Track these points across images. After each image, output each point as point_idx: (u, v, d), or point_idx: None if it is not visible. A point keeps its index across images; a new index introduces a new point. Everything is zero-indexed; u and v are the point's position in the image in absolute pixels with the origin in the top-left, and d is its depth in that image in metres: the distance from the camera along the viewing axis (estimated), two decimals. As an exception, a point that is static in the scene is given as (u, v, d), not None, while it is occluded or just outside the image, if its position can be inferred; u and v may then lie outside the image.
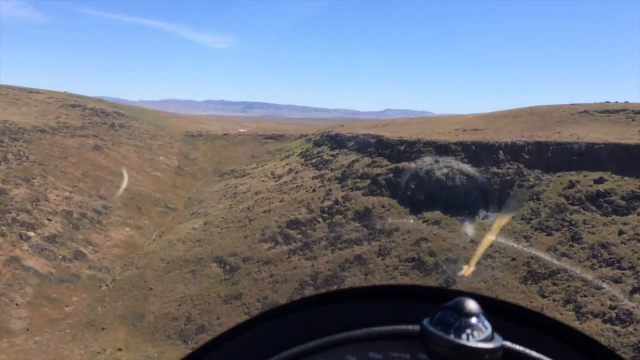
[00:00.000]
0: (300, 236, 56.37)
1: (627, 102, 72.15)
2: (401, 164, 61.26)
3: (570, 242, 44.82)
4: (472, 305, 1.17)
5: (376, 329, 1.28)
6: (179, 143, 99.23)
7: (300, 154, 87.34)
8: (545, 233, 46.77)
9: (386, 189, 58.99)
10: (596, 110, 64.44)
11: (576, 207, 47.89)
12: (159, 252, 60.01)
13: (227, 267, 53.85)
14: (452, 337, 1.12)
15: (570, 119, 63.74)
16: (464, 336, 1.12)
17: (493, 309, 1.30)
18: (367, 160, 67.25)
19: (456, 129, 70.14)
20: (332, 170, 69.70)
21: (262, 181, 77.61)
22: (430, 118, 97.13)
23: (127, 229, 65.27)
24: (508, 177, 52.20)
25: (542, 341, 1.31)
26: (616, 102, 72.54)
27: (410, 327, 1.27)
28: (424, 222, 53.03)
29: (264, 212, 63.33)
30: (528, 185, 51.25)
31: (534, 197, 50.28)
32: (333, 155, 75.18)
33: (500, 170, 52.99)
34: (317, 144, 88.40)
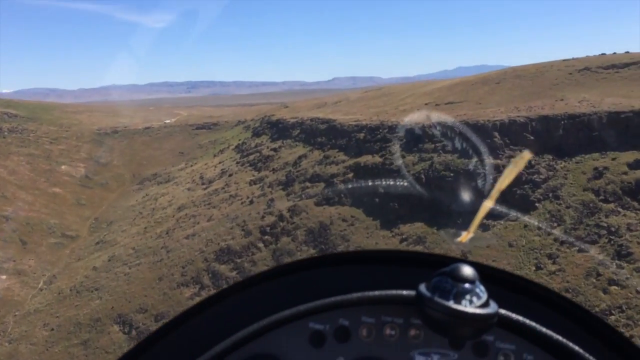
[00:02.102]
0: (233, 273, 40.91)
1: (628, 52, 59.11)
2: (362, 159, 46.17)
3: (617, 259, 31.18)
4: (468, 271, 1.15)
5: (371, 293, 1.27)
6: (88, 145, 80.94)
7: (236, 147, 71.11)
8: (576, 249, 32.92)
9: (346, 195, 43.92)
10: (599, 66, 50.80)
11: (611, 206, 34.19)
12: (44, 311, 43.41)
13: (133, 332, 37.97)
14: (448, 302, 1.10)
15: (570, 79, 49.92)
16: (459, 302, 1.11)
17: (490, 276, 1.29)
18: (317, 154, 51.84)
19: (426, 104, 55.36)
20: (274, 170, 53.98)
21: (189, 189, 61.13)
22: (388, 89, 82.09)
23: (3, 277, 48.12)
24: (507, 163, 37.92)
25: (537, 310, 1.30)
26: (614, 53, 59.40)
27: (405, 292, 1.25)
28: (402, 240, 38.44)
29: (187, 237, 47.30)
30: (540, 179, 37.12)
31: (550, 194, 36.27)
32: (275, 149, 59.34)
33: (499, 162, 38.65)
34: (256, 132, 72.30)
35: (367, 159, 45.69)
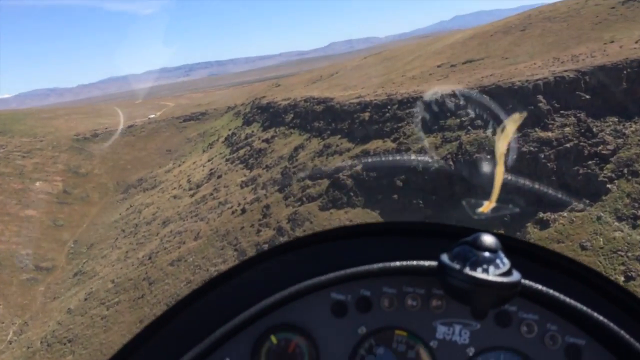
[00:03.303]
0: (229, 310, 32.81)
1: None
2: (371, 145, 37.50)
3: None
4: (490, 240, 1.14)
5: (392, 264, 1.27)
6: (65, 154, 72.80)
7: (226, 139, 62.61)
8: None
9: (357, 193, 35.50)
10: (650, -6, 40.98)
11: None
12: (10, 374, 36.17)
13: (112, 400, 30.31)
14: (469, 271, 1.10)
15: (614, 15, 40.33)
16: (481, 270, 1.10)
17: (511, 247, 1.27)
18: (316, 143, 43.20)
19: (439, 66, 46.12)
20: (267, 168, 45.52)
21: (175, 197, 53.00)
22: (390, 52, 72.35)
23: (-36, 332, 40.96)
24: (568, 144, 29.03)
25: (560, 281, 1.29)
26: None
27: (427, 263, 1.25)
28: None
29: (172, 263, 39.38)
30: (607, 150, 28.22)
31: (624, 170, 27.42)
32: (267, 140, 50.73)
33: (548, 134, 29.77)
34: (246, 120, 63.64)
35: (377, 145, 36.99)
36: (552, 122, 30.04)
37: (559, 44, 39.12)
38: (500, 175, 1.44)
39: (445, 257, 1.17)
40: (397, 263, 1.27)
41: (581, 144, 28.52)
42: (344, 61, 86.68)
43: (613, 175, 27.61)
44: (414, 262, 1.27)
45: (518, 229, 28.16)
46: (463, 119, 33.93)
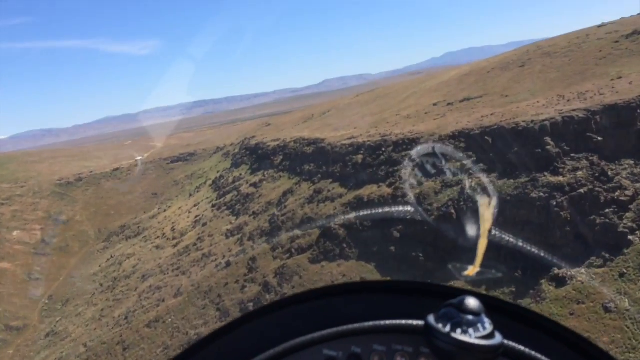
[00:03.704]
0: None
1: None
2: (365, 191, 34.63)
3: None
4: (474, 303, 1.18)
5: (382, 322, 1.32)
6: (46, 200, 69.56)
7: (213, 182, 59.71)
8: None
9: (350, 245, 32.40)
10: (653, 27, 39.08)
11: None
12: None
13: None
14: (454, 333, 1.14)
15: (619, 49, 38.22)
16: (465, 333, 1.14)
17: (495, 308, 1.32)
18: (306, 188, 40.33)
19: (435, 104, 43.77)
20: (254, 215, 42.47)
21: (157, 247, 49.68)
22: (384, 90, 70.45)
23: None
24: (581, 189, 26.18)
25: (541, 341, 1.33)
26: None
27: (415, 322, 1.30)
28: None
29: (149, 324, 35.81)
30: (625, 196, 25.36)
31: (646, 220, 24.47)
32: (255, 184, 47.82)
33: (560, 179, 26.96)
34: (235, 161, 60.88)
35: (371, 191, 34.11)
36: (563, 165, 27.28)
37: (562, 81, 36.83)
38: (483, 246, 1.58)
39: (431, 318, 1.20)
40: (387, 322, 1.31)
41: (596, 189, 25.70)
42: (337, 99, 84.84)
43: (634, 225, 24.68)
44: (403, 322, 1.31)
45: (532, 286, 25.04)
46: (464, 162, 31.22)
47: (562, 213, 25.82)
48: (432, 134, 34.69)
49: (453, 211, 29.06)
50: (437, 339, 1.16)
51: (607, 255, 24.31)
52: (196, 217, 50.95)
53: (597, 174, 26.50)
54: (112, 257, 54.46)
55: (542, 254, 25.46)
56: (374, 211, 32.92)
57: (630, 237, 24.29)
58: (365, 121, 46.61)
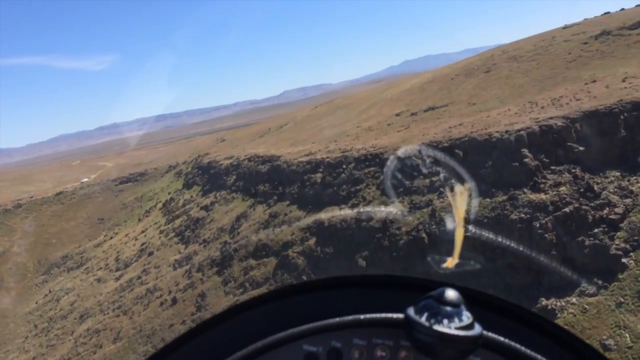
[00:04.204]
0: None
1: (623, 9, 46.01)
2: (326, 214, 31.09)
3: None
4: (453, 295, 1.19)
5: (362, 316, 1.30)
6: (-21, 231, 63.28)
7: (163, 205, 55.10)
8: None
9: (312, 277, 28.68)
10: (622, 27, 37.23)
11: None
12: None
13: None
14: (433, 325, 1.14)
15: (589, 51, 36.12)
16: (444, 324, 1.14)
17: (475, 299, 1.34)
18: (261, 211, 36.55)
19: (398, 114, 40.78)
20: (205, 243, 38.36)
21: (99, 280, 44.82)
22: (343, 100, 67.35)
23: None
24: (566, 207, 23.27)
25: (520, 332, 1.34)
26: (623, 9, 46.19)
27: (394, 315, 1.29)
28: None
29: (83, 377, 31.13)
30: (615, 214, 22.56)
31: (639, 240, 21.72)
32: (206, 207, 43.68)
33: (541, 196, 24.03)
34: (187, 182, 56.50)
35: (332, 214, 30.52)
36: (544, 180, 24.40)
37: (532, 86, 34.35)
38: (460, 236, 1.48)
39: (411, 311, 1.20)
40: (367, 315, 1.29)
41: (583, 207, 22.91)
42: (294, 111, 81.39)
43: (627, 246, 21.96)
44: (383, 315, 1.29)
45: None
46: (433, 179, 28.10)
47: (546, 235, 22.86)
48: (396, 148, 31.45)
49: (424, 235, 25.79)
50: (417, 331, 1.15)
51: (600, 282, 21.44)
52: (143, 245, 46.31)
53: (582, 189, 23.70)
54: (50, 292, 49.10)
55: (527, 282, 22.52)
56: (335, 236, 29.39)
57: (624, 260, 21.49)
58: (324, 134, 43.23)
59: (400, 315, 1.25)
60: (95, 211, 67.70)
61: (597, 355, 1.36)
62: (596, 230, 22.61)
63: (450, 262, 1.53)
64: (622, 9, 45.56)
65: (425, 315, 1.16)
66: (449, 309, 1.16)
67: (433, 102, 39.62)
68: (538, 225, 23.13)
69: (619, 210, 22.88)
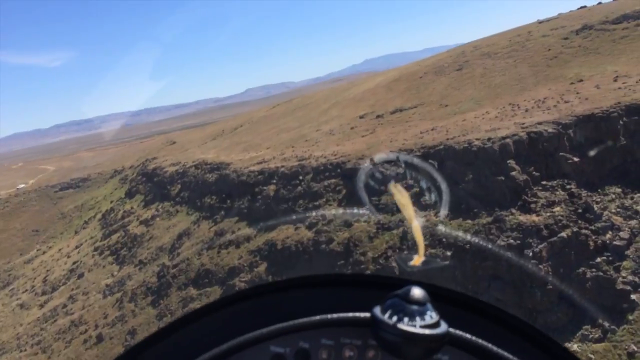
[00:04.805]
0: None
1: (600, 3, 43.19)
2: (280, 234, 26.58)
3: None
4: (419, 293, 1.18)
5: (329, 316, 1.29)
6: None
7: (103, 216, 49.46)
8: None
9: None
10: (605, 21, 34.05)
11: None
12: None
13: None
14: (399, 323, 1.14)
15: (571, 47, 32.75)
16: (410, 323, 1.14)
17: (441, 297, 1.33)
18: (206, 228, 31.84)
19: (362, 116, 36.60)
20: (141, 264, 33.34)
21: (21, 306, 39.06)
22: (303, 99, 62.86)
23: None
24: (563, 232, 19.45)
25: (487, 328, 1.33)
26: (600, 2, 43.27)
27: (361, 314, 1.27)
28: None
29: None
30: (620, 240, 18.86)
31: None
32: (146, 222, 38.54)
33: (533, 218, 20.18)
34: (130, 190, 50.94)
35: (287, 234, 26.10)
36: (535, 199, 20.60)
37: (511, 86, 30.69)
38: (418, 231, 1.47)
39: (377, 310, 1.19)
40: (334, 315, 1.28)
41: (582, 231, 19.21)
42: (251, 111, 76.48)
43: (637, 279, 18.33)
44: (350, 314, 1.27)
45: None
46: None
47: (541, 266, 19.06)
48: (360, 157, 27.20)
49: (395, 265, 21.58)
50: (383, 330, 1.14)
51: (607, 324, 17.76)
52: (74, 264, 40.75)
53: (579, 210, 20.00)
54: (-32, 319, 42.89)
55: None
56: (290, 262, 24.93)
57: (633, 297, 17.87)
58: (281, 138, 38.71)
59: (367, 315, 1.23)
60: (30, 221, 61.23)
61: (563, 352, 1.33)
62: (599, 259, 18.92)
63: (417, 260, 1.51)
64: (600, 3, 42.64)
65: (391, 314, 1.14)
66: (414, 307, 1.15)
67: (400, 103, 35.59)
68: (530, 254, 19.29)
69: (624, 234, 19.28)
